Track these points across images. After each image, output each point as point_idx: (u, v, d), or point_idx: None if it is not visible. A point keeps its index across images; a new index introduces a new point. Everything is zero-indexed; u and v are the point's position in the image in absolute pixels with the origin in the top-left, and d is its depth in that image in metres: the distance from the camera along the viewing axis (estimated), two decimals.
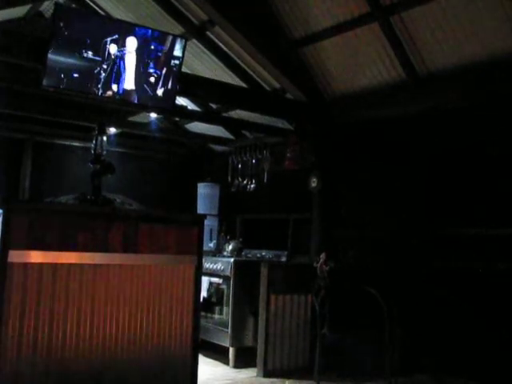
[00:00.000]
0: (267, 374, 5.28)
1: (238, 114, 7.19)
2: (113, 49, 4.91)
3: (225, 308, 5.79)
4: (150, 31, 5.14)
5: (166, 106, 5.41)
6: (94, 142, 4.27)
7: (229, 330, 5.65)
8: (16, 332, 3.45)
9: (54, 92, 5.06)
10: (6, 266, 3.44)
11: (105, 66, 4.90)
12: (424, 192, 5.76)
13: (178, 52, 5.24)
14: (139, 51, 5.06)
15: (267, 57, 5.84)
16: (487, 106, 5.18)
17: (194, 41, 6.30)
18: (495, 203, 5.20)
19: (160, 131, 8.17)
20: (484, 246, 5.17)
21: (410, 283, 5.52)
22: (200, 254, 4.24)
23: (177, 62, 5.25)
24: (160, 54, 5.16)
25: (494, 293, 5.05)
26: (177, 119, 8.11)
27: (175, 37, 5.35)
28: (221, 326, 5.78)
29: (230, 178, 7.56)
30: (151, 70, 5.15)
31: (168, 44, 5.19)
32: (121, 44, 4.94)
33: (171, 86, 5.27)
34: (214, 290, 5.99)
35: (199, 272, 4.23)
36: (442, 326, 5.29)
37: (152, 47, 5.12)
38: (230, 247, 6.78)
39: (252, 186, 7.30)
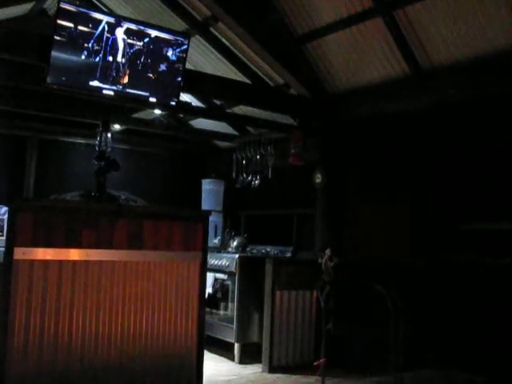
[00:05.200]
0: (272, 369, 5.30)
1: (241, 109, 7.19)
2: (120, 46, 4.90)
3: (230, 304, 5.80)
4: (159, 30, 5.13)
5: (170, 103, 5.41)
6: (98, 138, 4.28)
7: (234, 325, 5.66)
8: (22, 329, 3.47)
9: (57, 89, 5.06)
10: (11, 264, 3.46)
11: (109, 63, 4.89)
12: (430, 187, 5.75)
13: (183, 49, 5.23)
14: (147, 49, 5.06)
15: (271, 52, 5.83)
16: (492, 100, 5.16)
17: (198, 37, 6.29)
18: (502, 198, 5.19)
19: (164, 128, 8.17)
20: (490, 240, 5.16)
21: (416, 278, 5.51)
22: (205, 250, 4.26)
23: (182, 58, 5.24)
24: (167, 53, 5.15)
25: (499, 287, 5.04)
26: (181, 115, 8.11)
27: (183, 35, 5.35)
28: (226, 321, 5.80)
29: (234, 174, 7.55)
30: (157, 68, 5.14)
31: (176, 42, 5.18)
32: (128, 41, 4.94)
33: (176, 82, 5.26)
34: (219, 285, 6.00)
35: (204, 268, 4.24)
36: (448, 321, 5.29)
37: (160, 46, 5.11)
38: (235, 243, 6.79)
39: (256, 181, 7.28)
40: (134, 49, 5.00)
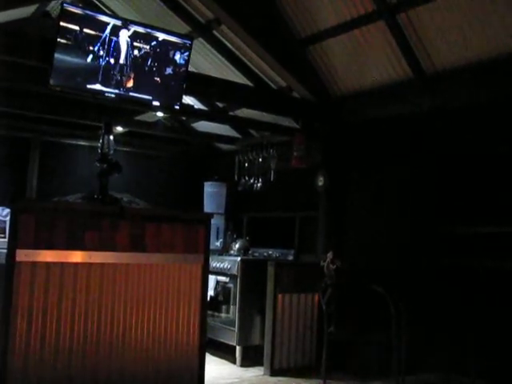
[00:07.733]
0: (274, 372, 5.29)
1: (244, 112, 7.19)
2: (125, 49, 4.90)
3: (232, 307, 5.79)
4: (167, 33, 5.12)
5: (172, 105, 5.41)
6: (100, 141, 4.28)
7: (236, 328, 5.65)
8: (24, 330, 3.47)
9: (61, 91, 5.06)
10: (13, 265, 3.46)
11: (114, 67, 4.88)
12: (433, 190, 5.74)
13: (186, 52, 5.23)
14: (154, 52, 5.05)
15: (274, 55, 5.83)
16: (496, 104, 5.15)
17: (200, 39, 6.30)
18: (505, 201, 5.17)
19: (166, 130, 8.18)
20: (493, 244, 5.15)
21: (418, 282, 5.50)
22: (207, 252, 4.25)
23: (185, 61, 5.24)
24: (174, 56, 5.14)
25: (502, 291, 5.02)
26: (183, 118, 8.11)
27: (189, 37, 5.36)
28: (228, 324, 5.79)
29: (236, 177, 7.55)
30: (163, 72, 5.13)
31: (183, 46, 5.18)
32: (135, 45, 4.93)
33: (179, 85, 5.26)
34: (221, 288, 5.99)
35: (206, 271, 4.24)
36: (450, 325, 5.28)
37: (168, 49, 5.11)
38: (237, 246, 6.79)
39: (259, 184, 7.28)
40: (142, 52, 4.98)
